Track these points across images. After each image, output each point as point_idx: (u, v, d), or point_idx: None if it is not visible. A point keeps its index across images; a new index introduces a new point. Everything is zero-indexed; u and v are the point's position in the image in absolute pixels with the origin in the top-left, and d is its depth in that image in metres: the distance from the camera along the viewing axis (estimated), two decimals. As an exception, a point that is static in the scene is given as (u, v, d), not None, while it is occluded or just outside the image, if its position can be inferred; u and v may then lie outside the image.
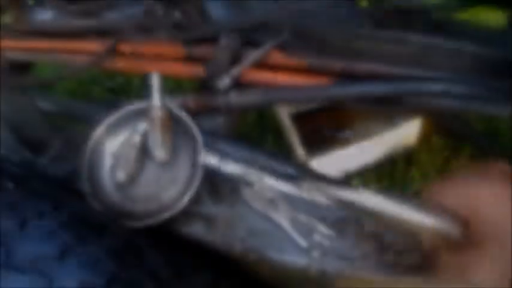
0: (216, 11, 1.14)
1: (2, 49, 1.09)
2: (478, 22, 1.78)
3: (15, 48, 1.40)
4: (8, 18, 1.61)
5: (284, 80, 0.95)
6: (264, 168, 0.92)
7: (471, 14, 1.84)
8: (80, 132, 1.12)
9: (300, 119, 1.28)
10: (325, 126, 1.37)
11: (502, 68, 0.98)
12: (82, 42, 1.19)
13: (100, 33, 1.09)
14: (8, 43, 1.18)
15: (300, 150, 1.21)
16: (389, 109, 1.06)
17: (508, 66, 0.99)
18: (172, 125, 0.90)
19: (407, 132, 1.34)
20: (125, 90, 1.97)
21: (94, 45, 1.20)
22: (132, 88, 1.95)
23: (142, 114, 0.92)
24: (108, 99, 1.32)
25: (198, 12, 0.99)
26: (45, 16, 1.59)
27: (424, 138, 1.43)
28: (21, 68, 1.15)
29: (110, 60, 1.17)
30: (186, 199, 0.84)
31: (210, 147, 0.91)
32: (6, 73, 0.98)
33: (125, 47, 1.04)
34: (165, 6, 1.08)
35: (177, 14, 1.05)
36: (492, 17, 1.82)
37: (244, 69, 0.92)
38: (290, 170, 0.92)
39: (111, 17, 1.11)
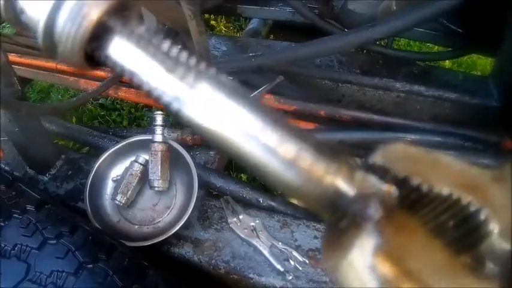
0: (219, 48, 1.24)
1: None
2: (464, 70, 1.88)
3: (16, 63, 1.47)
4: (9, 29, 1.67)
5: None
6: (248, 201, 1.05)
7: (458, 61, 1.96)
8: (83, 155, 1.22)
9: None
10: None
11: (483, 116, 1.08)
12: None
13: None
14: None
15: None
16: (368, 154, 1.16)
17: (488, 115, 1.08)
18: (171, 157, 1.01)
19: None
20: (115, 106, 2.06)
21: (98, 71, 1.29)
22: (123, 105, 2.04)
23: (144, 146, 1.03)
24: (113, 128, 1.39)
25: (205, 50, 1.04)
26: None
27: None
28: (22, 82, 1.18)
29: (114, 89, 1.27)
30: (179, 225, 0.94)
31: (203, 179, 1.03)
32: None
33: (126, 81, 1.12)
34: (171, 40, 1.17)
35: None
36: (480, 63, 1.96)
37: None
38: (271, 203, 1.04)
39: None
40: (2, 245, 0.79)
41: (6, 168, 1.21)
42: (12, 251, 0.79)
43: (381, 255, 0.25)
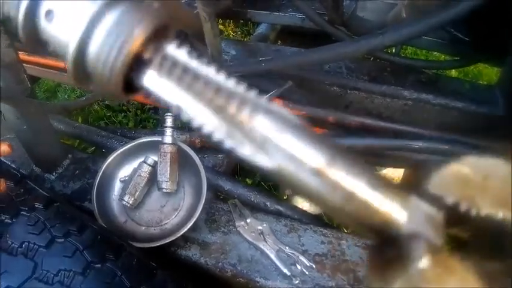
0: (229, 52, 1.24)
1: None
2: (470, 80, 1.88)
3: (24, 61, 1.47)
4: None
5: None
6: (255, 204, 1.04)
7: (464, 71, 1.97)
8: (90, 155, 1.22)
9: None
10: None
11: (489, 125, 1.08)
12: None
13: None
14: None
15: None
16: (374, 161, 1.15)
17: (494, 124, 1.07)
18: (180, 159, 1.01)
19: (390, 175, 1.44)
20: (121, 108, 2.06)
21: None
22: (130, 107, 2.04)
23: (153, 147, 1.03)
24: (122, 129, 1.39)
25: (217, 52, 1.04)
26: None
27: (407, 181, 1.52)
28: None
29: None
30: (187, 227, 0.94)
31: (211, 182, 1.02)
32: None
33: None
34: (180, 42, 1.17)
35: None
36: (486, 73, 1.96)
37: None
38: (278, 207, 1.04)
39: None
40: (10, 243, 0.79)
41: (13, 165, 1.21)
42: (20, 249, 0.78)
43: None
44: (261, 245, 0.97)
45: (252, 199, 1.04)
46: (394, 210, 0.29)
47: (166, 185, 0.97)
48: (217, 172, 1.07)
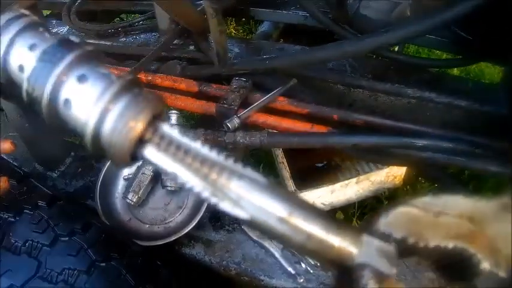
0: (232, 50, 1.23)
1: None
2: (473, 78, 1.88)
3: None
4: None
5: (288, 125, 1.02)
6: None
7: (466, 70, 1.95)
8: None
9: (292, 154, 1.39)
10: (315, 162, 1.48)
11: (493, 124, 1.06)
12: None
13: (116, 57, 1.14)
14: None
15: (290, 184, 1.33)
16: (379, 159, 1.15)
17: (498, 122, 1.06)
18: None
19: (394, 172, 1.44)
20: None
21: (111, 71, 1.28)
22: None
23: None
24: None
25: (223, 49, 1.01)
26: (61, 30, 1.66)
27: (409, 179, 1.49)
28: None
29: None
30: (191, 225, 0.94)
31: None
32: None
33: (141, 76, 1.07)
34: (183, 40, 1.14)
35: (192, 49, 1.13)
36: (488, 72, 1.96)
37: (252, 112, 0.99)
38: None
39: (126, 41, 1.18)
40: (13, 241, 0.78)
41: (15, 163, 1.20)
42: (23, 247, 0.78)
43: None
44: (266, 244, 0.97)
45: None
46: (347, 246, 0.37)
47: (171, 182, 0.97)
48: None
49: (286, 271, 0.93)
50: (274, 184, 0.38)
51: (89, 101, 0.37)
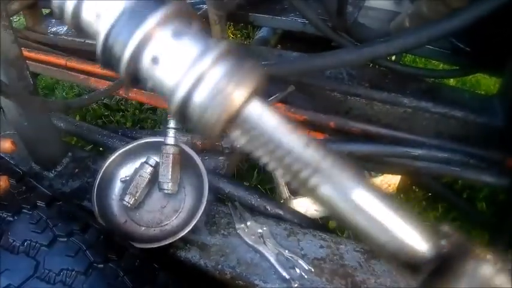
0: None
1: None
2: (469, 88, 1.89)
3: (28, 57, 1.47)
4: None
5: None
6: (256, 208, 1.05)
7: (463, 80, 1.98)
8: (90, 154, 1.22)
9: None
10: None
11: (488, 135, 1.09)
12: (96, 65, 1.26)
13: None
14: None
15: (284, 190, 1.34)
16: (373, 167, 1.16)
17: (493, 134, 1.08)
18: (181, 160, 1.01)
19: (388, 180, 1.46)
20: (119, 107, 2.05)
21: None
22: (128, 107, 2.04)
23: (155, 148, 1.03)
24: (123, 128, 1.39)
25: None
26: (59, 29, 1.66)
27: (403, 188, 1.52)
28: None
29: (125, 90, 1.27)
30: (188, 228, 0.94)
31: (212, 184, 1.03)
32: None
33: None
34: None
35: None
36: (484, 83, 1.98)
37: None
38: (279, 211, 1.05)
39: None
40: (11, 241, 0.78)
41: (11, 162, 1.20)
42: (21, 247, 0.78)
43: None
44: (261, 248, 0.97)
45: (253, 202, 1.05)
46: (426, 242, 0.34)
47: (167, 186, 0.98)
48: (218, 174, 1.08)
49: (280, 276, 0.94)
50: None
51: (183, 62, 0.32)
